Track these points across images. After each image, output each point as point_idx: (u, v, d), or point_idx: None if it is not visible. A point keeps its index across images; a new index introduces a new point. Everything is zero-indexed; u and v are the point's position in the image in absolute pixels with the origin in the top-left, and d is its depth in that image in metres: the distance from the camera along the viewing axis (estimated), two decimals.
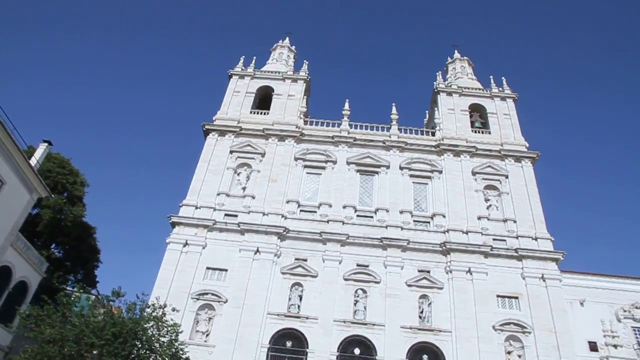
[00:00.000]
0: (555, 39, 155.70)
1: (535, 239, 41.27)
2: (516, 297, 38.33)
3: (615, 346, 36.10)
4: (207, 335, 35.72)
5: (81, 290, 34.51)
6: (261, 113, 50.46)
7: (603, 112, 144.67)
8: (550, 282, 38.54)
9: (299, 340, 35.76)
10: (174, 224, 40.59)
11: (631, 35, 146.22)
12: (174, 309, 28.80)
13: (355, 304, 37.73)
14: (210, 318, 36.42)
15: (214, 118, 48.88)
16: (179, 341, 27.32)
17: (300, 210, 43.39)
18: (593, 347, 36.41)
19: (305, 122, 50.03)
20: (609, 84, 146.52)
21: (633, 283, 40.02)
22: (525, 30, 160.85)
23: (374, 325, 36.42)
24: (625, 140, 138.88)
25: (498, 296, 38.37)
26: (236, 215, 41.97)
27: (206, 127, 47.46)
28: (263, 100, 53.39)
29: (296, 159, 46.39)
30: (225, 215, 41.94)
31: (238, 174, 45.37)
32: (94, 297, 38.08)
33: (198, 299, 36.77)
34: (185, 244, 39.40)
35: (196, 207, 41.68)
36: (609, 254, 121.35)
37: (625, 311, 38.03)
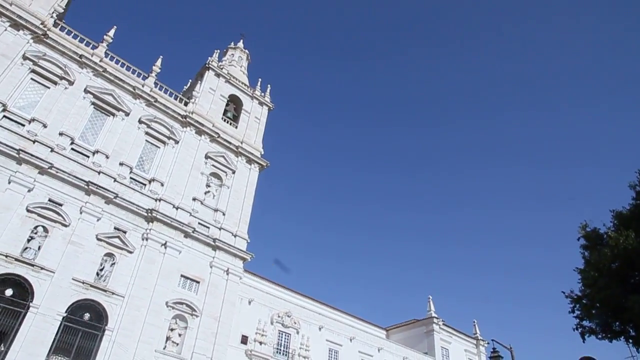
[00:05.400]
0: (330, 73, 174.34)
1: (235, 235, 44.60)
2: (198, 282, 40.40)
3: (261, 343, 41.98)
4: None
5: None
6: None
7: (336, 142, 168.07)
8: (232, 277, 42.17)
9: None
10: None
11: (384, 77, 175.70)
12: None
13: (29, 241, 33.03)
14: None
15: None
16: None
17: (4, 116, 35.84)
18: (244, 340, 41.54)
19: (56, 25, 42.18)
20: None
21: (291, 295, 47.58)
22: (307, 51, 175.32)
23: (42, 268, 32.53)
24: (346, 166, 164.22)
25: (182, 276, 39.74)
26: None
27: None
28: None
29: (25, 57, 38.41)
30: None
31: None
32: None
33: None
34: None
35: None
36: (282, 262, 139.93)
37: (279, 317, 44.75)
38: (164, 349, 36.30)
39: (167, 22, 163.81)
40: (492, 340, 29.74)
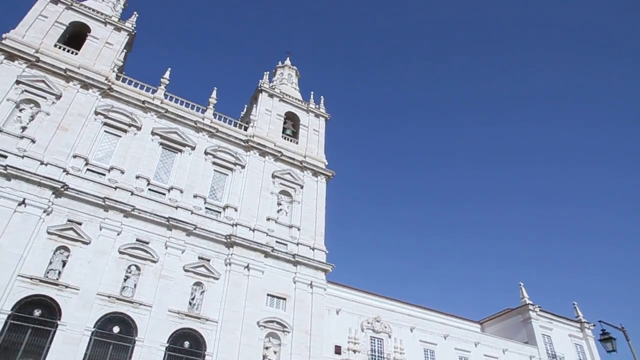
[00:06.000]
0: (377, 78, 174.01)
1: (313, 249, 45.22)
2: (284, 299, 41.29)
3: (354, 351, 42.09)
4: None
5: None
6: (68, 51, 43.92)
7: (394, 145, 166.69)
8: (317, 290, 42.73)
9: (51, 310, 31.78)
10: None
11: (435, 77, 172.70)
12: None
13: (125, 280, 35.47)
14: None
15: (3, 36, 40.64)
16: None
17: (87, 169, 38.98)
18: (338, 350, 41.76)
19: (118, 78, 45.40)
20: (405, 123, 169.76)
21: (378, 300, 47.35)
22: (354, 60, 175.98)
23: (140, 304, 34.79)
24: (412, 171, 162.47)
25: (269, 295, 40.78)
26: (5, 157, 35.47)
27: None
28: (75, 37, 46.48)
29: (97, 113, 41.67)
30: None
31: (20, 111, 38.46)
32: None
33: None
34: None
35: None
36: (365, 270, 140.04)
37: (369, 323, 44.65)
38: None
39: (214, 55, 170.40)
40: (600, 321, 27.56)
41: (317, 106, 57.81)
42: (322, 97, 59.28)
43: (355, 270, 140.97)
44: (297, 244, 44.91)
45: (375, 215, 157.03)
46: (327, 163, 52.79)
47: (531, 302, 60.53)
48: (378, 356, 43.71)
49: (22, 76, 39.47)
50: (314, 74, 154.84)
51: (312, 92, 59.09)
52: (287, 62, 64.41)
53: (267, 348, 38.34)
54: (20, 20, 42.83)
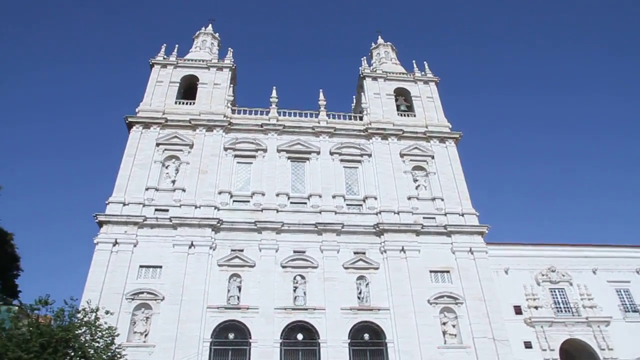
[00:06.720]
0: (476, 25, 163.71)
1: (462, 215, 43.62)
2: (448, 271, 40.44)
3: (536, 307, 39.48)
4: (146, 335, 34.44)
5: (0, 302, 31.93)
6: (187, 103, 48.81)
7: (516, 97, 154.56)
8: (478, 255, 41.10)
9: (241, 331, 35.47)
10: (101, 223, 38.37)
11: (548, 28, 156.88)
12: (107, 312, 27.36)
13: (294, 290, 37.97)
14: (147, 317, 35.11)
15: (136, 110, 46.63)
16: (115, 344, 26.14)
17: (234, 201, 42.71)
18: (518, 310, 39.54)
19: (233, 111, 49.09)
20: (525, 73, 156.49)
21: (548, 249, 43.66)
22: (447, 17, 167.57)
23: (314, 309, 36.88)
24: (534, 121, 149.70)
25: (431, 271, 40.27)
26: (167, 210, 40.51)
27: (129, 119, 45.14)
28: (188, 89, 51.65)
29: (226, 148, 45.48)
30: (156, 210, 40.32)
31: (166, 167, 43.72)
32: (16, 307, 35.16)
33: (133, 299, 35.27)
34: (115, 243, 37.45)
35: (124, 204, 39.70)
36: (527, 224, 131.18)
37: (543, 275, 41.56)
38: (444, 343, 36.94)
39: (308, 58, 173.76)
40: None
41: (422, 73, 55.75)
42: (425, 62, 57.03)
43: (521, 226, 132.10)
44: (445, 214, 43.66)
45: (521, 164, 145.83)
46: (450, 126, 50.54)
47: None
48: (564, 307, 40.31)
49: (159, 138, 44.78)
50: (409, 43, 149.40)
51: (413, 61, 57.18)
52: (380, 40, 63.17)
53: (444, 323, 37.87)
54: (137, 88, 48.80)
